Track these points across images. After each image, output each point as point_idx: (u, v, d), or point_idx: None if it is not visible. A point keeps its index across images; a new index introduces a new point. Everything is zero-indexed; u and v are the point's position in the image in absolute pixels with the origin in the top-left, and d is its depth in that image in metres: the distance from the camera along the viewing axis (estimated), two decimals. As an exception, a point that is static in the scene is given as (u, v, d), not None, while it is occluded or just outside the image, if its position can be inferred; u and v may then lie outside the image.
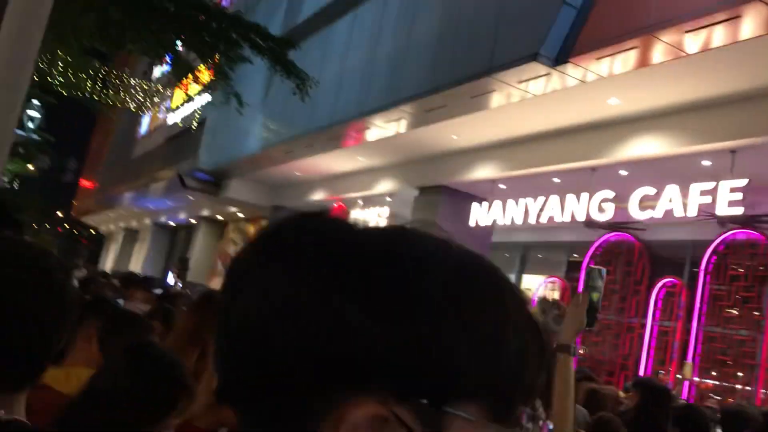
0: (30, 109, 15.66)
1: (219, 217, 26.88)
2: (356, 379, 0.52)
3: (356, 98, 13.39)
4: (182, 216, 28.96)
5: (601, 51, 7.91)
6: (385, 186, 15.44)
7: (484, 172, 12.42)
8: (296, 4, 18.64)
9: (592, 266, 2.29)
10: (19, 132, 16.13)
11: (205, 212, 26.46)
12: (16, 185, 31.50)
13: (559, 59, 8.31)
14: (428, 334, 0.53)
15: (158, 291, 11.81)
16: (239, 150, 18.98)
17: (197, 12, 5.84)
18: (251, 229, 24.99)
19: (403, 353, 0.52)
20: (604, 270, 2.35)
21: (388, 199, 15.79)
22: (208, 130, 21.72)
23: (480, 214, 12.69)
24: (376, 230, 0.62)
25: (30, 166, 25.85)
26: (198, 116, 23.13)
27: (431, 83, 10.68)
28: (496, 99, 10.07)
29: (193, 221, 28.53)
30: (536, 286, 16.50)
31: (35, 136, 17.80)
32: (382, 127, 12.81)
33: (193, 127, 22.92)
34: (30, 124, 15.88)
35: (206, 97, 20.95)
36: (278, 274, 0.56)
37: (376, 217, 16.07)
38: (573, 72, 8.55)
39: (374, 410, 0.52)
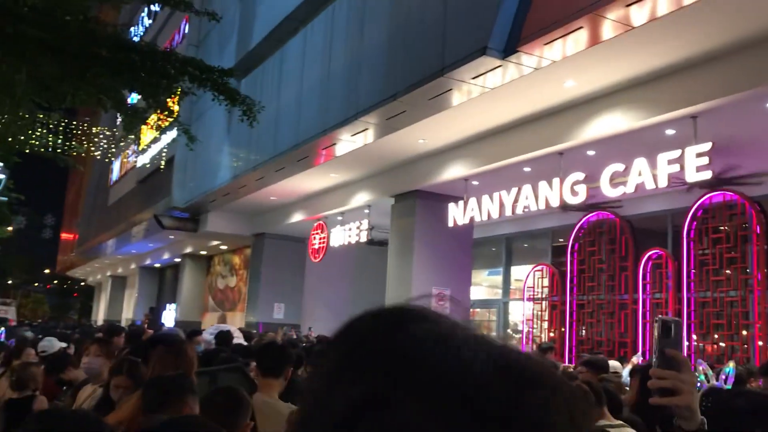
0: (-8, 173, 15.47)
1: (203, 252, 26.67)
2: None
3: (317, 115, 13.32)
4: (166, 256, 28.72)
5: (549, 35, 7.87)
6: (361, 198, 15.36)
7: (455, 171, 12.37)
8: (246, 32, 18.58)
9: (663, 318, 1.77)
10: (-15, 197, 15.89)
11: (189, 249, 26.24)
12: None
13: (508, 49, 8.27)
14: None
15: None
16: (211, 183, 18.84)
17: (129, 53, 5.74)
18: (236, 260, 24.79)
19: None
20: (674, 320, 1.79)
21: (366, 211, 15.71)
22: (177, 167, 21.56)
23: (457, 213, 12.63)
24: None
25: (7, 228, 25.51)
26: (165, 155, 22.96)
27: (388, 91, 10.62)
28: (456, 97, 10.02)
29: (178, 259, 28.29)
30: (525, 275, 16.46)
31: (3, 198, 17.56)
32: (349, 141, 12.74)
33: (162, 167, 22.73)
34: (-5, 187, 15.68)
35: (172, 135, 20.81)
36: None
37: (356, 230, 15.97)
38: (526, 60, 8.51)
39: None
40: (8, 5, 5.07)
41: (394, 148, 12.66)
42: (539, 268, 15.81)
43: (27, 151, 16.73)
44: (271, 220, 19.79)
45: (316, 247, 17.47)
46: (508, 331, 16.66)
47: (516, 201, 11.27)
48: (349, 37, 12.70)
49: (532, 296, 15.91)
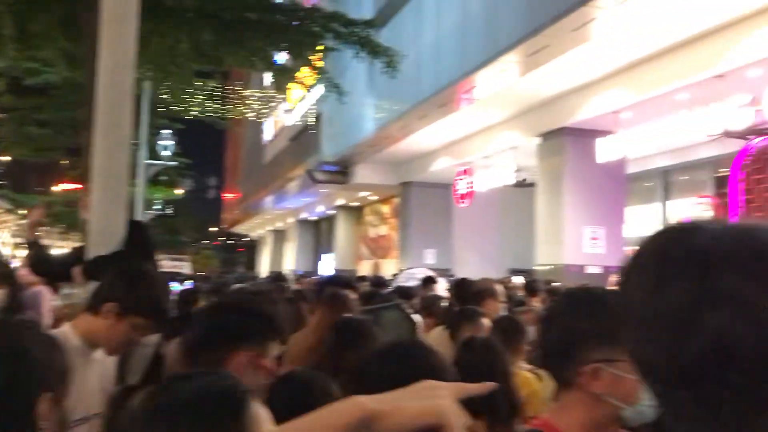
0: (163, 139, 16.86)
1: (354, 203, 27.59)
2: None
3: (456, 59, 13.22)
4: (320, 209, 30.00)
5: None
6: (506, 140, 15.15)
7: (604, 104, 11.86)
8: (382, -20, 18.64)
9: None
10: (157, 162, 17.39)
11: (341, 201, 27.25)
12: (169, 211, 34.00)
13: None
14: None
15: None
16: (357, 135, 19.36)
17: (275, 14, 6.03)
18: (386, 209, 25.45)
19: None
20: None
21: (512, 152, 15.48)
22: (325, 122, 22.32)
23: (608, 149, 12.16)
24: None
25: (176, 191, 27.73)
26: (313, 112, 23.82)
27: (529, 26, 10.32)
28: (597, 27, 9.56)
29: (331, 212, 29.47)
30: (685, 210, 15.61)
31: (174, 163, 19.14)
32: (490, 82, 12.56)
33: (311, 123, 23.59)
34: (166, 153, 17.11)
35: (319, 91, 21.51)
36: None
37: (502, 172, 15.81)
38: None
39: None
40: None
41: (538, 85, 12.32)
42: (702, 200, 14.92)
43: (189, 116, 18.09)
44: (417, 167, 20.06)
45: (463, 192, 17.53)
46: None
47: (672, 131, 10.65)
48: (485, -25, 12.41)
49: (693, 231, 15.04)
